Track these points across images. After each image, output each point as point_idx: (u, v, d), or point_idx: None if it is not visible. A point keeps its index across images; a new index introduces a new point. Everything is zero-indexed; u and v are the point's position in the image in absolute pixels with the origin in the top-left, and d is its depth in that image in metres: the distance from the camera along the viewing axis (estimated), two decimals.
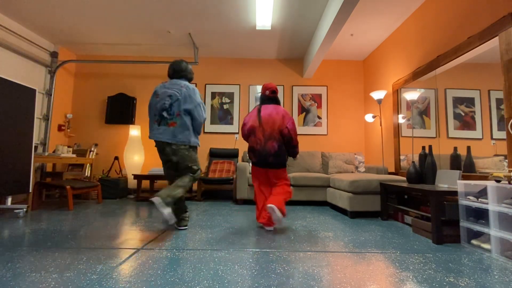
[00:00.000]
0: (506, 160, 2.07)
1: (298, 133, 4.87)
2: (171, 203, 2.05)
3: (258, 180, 2.46)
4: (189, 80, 2.40)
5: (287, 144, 2.33)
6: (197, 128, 2.29)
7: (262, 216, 2.34)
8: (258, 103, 4.91)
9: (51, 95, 4.30)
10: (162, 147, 2.22)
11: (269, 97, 2.43)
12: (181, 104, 2.18)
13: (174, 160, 2.21)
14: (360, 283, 1.30)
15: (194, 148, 2.30)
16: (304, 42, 4.36)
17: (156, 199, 1.96)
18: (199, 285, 1.24)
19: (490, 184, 1.76)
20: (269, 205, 2.12)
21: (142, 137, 4.84)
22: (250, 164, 2.65)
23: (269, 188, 2.44)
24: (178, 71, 2.32)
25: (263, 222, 2.30)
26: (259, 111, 2.38)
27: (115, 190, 4.13)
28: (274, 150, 2.25)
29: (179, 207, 2.28)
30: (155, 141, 2.24)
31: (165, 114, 2.19)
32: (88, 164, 4.40)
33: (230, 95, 4.92)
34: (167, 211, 1.99)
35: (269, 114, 2.32)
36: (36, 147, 4.08)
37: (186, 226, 2.31)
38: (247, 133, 2.41)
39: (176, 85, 2.24)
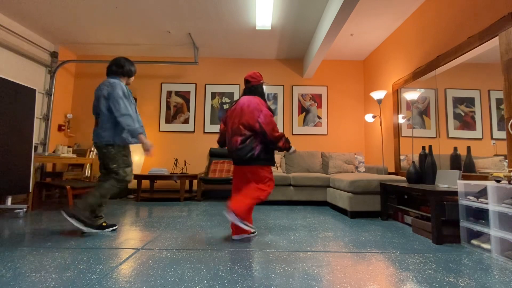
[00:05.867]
0: (506, 160, 2.06)
1: (298, 133, 4.86)
2: (82, 213, 2.02)
3: (233, 180, 2.20)
4: (125, 74, 2.24)
5: (269, 139, 2.01)
6: (123, 124, 2.05)
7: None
8: None
9: (51, 95, 4.30)
10: (96, 150, 2.19)
11: (245, 88, 2.19)
12: (103, 103, 2.09)
13: (103, 161, 2.16)
14: (360, 283, 1.30)
15: (122, 147, 2.16)
16: (304, 42, 4.36)
17: (63, 212, 2.01)
18: (199, 285, 1.24)
19: (490, 184, 1.76)
20: (227, 210, 1.88)
21: None
22: None
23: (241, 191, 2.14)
24: (111, 64, 2.21)
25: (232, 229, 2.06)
26: (231, 105, 2.19)
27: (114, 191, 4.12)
28: (236, 146, 2.00)
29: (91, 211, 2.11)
30: None
31: (95, 115, 2.19)
32: (88, 164, 4.40)
33: (230, 95, 4.91)
34: (75, 222, 1.99)
35: (241, 108, 2.04)
36: (36, 147, 4.08)
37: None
38: (221, 131, 2.25)
39: (104, 82, 2.15)
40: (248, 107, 2.00)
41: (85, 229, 2.04)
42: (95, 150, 4.58)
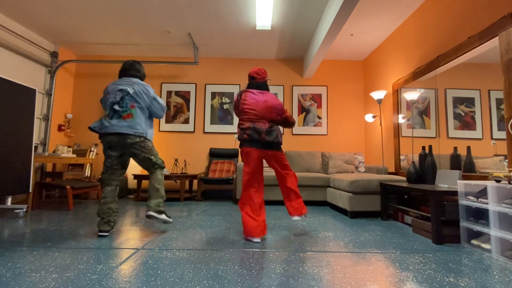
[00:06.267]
0: (506, 160, 2.06)
1: (298, 133, 4.87)
2: (160, 206, 2.19)
3: (250, 168, 2.08)
4: (140, 78, 2.33)
5: (284, 123, 2.26)
6: (161, 117, 2.33)
7: (253, 227, 1.98)
8: None
9: (51, 95, 4.30)
10: (115, 140, 2.08)
11: (250, 83, 2.24)
12: (135, 98, 2.12)
13: (133, 154, 2.15)
14: (360, 283, 1.30)
15: (150, 141, 2.25)
16: (304, 42, 4.36)
17: (149, 214, 2.13)
18: (199, 285, 1.24)
19: (490, 184, 1.76)
20: (296, 217, 2.19)
21: None
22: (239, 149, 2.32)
23: (261, 182, 2.12)
24: (128, 69, 2.26)
25: (252, 236, 1.98)
26: (239, 96, 2.20)
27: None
28: (265, 128, 2.06)
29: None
30: (104, 134, 2.09)
31: (116, 107, 2.10)
32: (88, 164, 4.40)
33: (230, 95, 4.92)
34: (163, 216, 2.18)
35: (256, 101, 2.11)
36: (36, 147, 4.08)
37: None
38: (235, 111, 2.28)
39: (127, 80, 2.19)
40: (265, 102, 2.12)
41: (168, 219, 2.25)
42: (95, 149, 4.58)
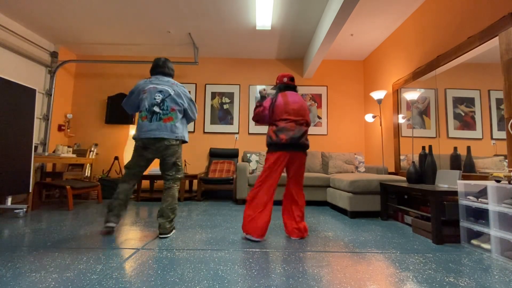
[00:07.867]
0: (506, 160, 2.06)
1: None
2: (172, 226, 2.16)
3: (275, 174, 2.03)
4: (172, 78, 2.35)
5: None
6: (191, 121, 2.33)
7: (255, 227, 1.96)
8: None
9: (51, 95, 4.30)
10: (152, 143, 2.05)
11: (288, 84, 2.23)
12: (176, 100, 2.11)
13: (165, 156, 2.11)
14: (360, 283, 1.30)
15: (181, 146, 2.28)
16: (304, 42, 4.36)
17: (164, 236, 2.07)
18: (199, 285, 1.24)
19: (490, 184, 1.76)
20: (298, 238, 2.07)
21: None
22: (266, 153, 2.10)
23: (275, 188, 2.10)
24: (162, 66, 2.23)
25: (253, 234, 1.96)
26: (274, 98, 2.15)
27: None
28: (305, 132, 2.11)
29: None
30: (143, 139, 2.05)
31: (156, 109, 2.06)
32: (88, 164, 4.40)
33: (230, 95, 4.91)
34: (173, 232, 2.19)
35: (299, 101, 2.14)
36: (36, 147, 4.08)
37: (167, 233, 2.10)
38: (267, 113, 2.14)
39: (165, 81, 2.15)
40: (305, 101, 2.24)
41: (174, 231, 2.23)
42: (95, 149, 4.58)
